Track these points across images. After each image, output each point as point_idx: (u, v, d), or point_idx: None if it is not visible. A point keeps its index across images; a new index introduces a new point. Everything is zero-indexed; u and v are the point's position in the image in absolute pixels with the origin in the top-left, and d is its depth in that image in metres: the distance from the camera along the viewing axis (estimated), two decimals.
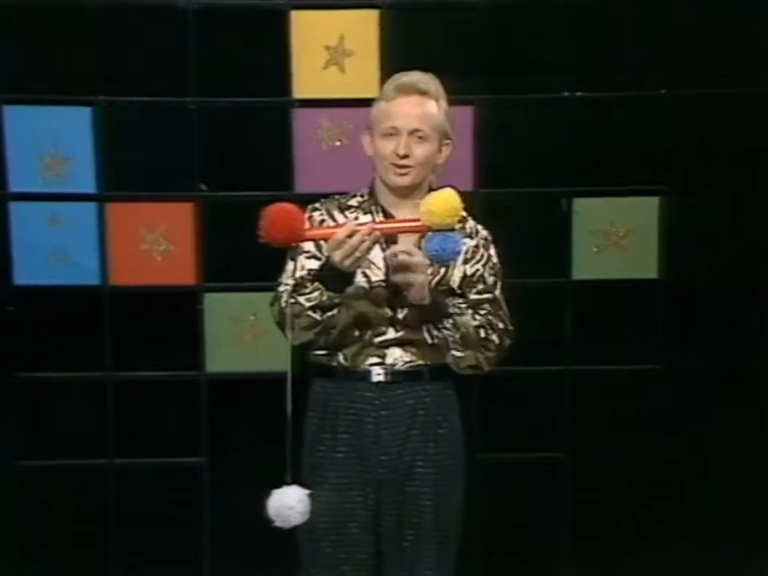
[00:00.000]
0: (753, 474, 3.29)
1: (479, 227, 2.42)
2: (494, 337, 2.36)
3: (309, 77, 3.12)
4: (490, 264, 2.40)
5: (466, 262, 2.35)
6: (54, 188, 3.13)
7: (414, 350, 2.34)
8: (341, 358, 2.34)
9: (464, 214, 2.24)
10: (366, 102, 2.89)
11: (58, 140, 3.10)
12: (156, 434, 3.22)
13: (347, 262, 2.14)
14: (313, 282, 2.24)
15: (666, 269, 3.22)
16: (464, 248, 2.26)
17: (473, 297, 2.36)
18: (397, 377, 2.33)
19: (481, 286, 2.37)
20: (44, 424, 3.22)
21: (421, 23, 3.13)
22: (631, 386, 3.23)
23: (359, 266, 2.20)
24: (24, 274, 3.15)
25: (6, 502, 3.24)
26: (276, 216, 2.12)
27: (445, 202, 2.11)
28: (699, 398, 3.24)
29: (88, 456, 3.22)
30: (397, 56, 3.05)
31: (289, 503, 2.16)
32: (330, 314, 2.26)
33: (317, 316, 2.25)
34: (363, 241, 2.12)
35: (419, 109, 2.29)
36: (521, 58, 3.17)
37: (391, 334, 2.32)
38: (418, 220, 2.14)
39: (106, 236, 3.16)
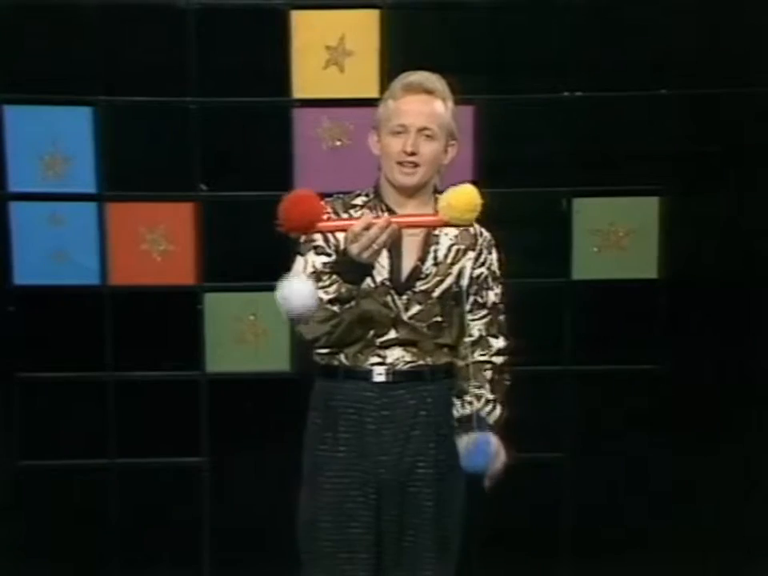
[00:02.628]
0: (753, 474, 3.29)
1: (482, 230, 2.42)
2: (503, 360, 2.44)
3: (309, 77, 3.11)
4: (493, 268, 2.42)
5: (473, 266, 2.37)
6: (54, 188, 3.13)
7: (415, 350, 2.34)
8: (342, 357, 2.34)
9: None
10: (366, 102, 2.91)
11: (57, 140, 3.10)
12: (156, 433, 3.22)
13: (365, 255, 2.12)
14: (330, 274, 2.22)
15: (666, 269, 3.22)
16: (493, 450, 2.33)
17: (479, 301, 2.39)
18: (398, 377, 2.33)
19: (484, 292, 2.40)
20: (44, 424, 3.21)
21: (421, 23, 3.13)
22: (631, 385, 3.23)
23: (377, 259, 2.19)
24: (24, 274, 3.15)
25: (5, 501, 3.24)
26: (296, 202, 2.09)
27: (465, 197, 2.10)
28: (699, 397, 3.24)
29: (88, 456, 3.22)
30: (397, 56, 3.05)
31: (298, 287, 2.09)
32: (347, 306, 2.24)
33: (335, 308, 2.23)
34: (380, 233, 2.10)
35: (427, 107, 2.29)
36: (521, 58, 3.17)
37: (393, 334, 2.32)
38: (435, 213, 2.13)
39: (106, 236, 3.15)
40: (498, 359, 2.42)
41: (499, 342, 2.42)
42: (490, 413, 2.38)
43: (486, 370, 2.40)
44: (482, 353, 2.40)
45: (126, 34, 3.11)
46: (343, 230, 2.16)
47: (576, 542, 3.29)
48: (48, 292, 3.15)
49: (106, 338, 3.18)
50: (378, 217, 2.15)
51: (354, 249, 2.12)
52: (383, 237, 2.11)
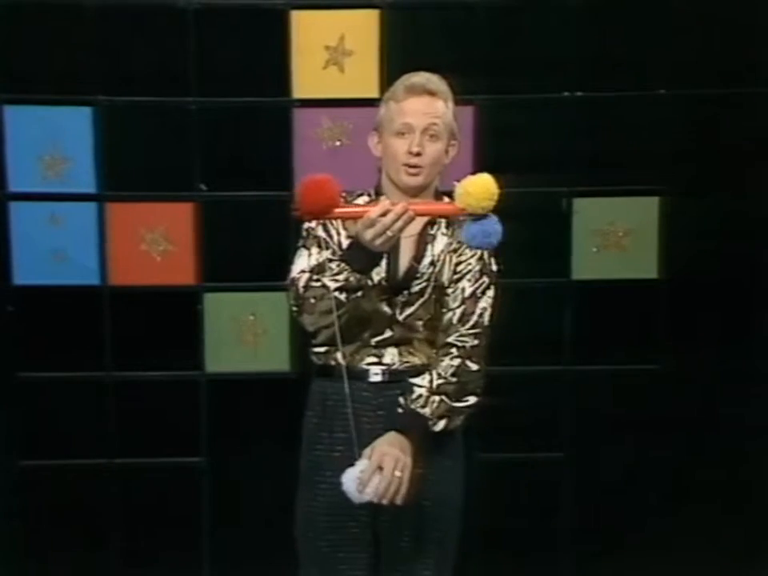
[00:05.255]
0: (753, 474, 3.29)
1: None
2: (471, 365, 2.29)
3: (309, 77, 3.11)
4: (477, 266, 2.33)
5: (457, 261, 2.32)
6: (54, 188, 3.13)
7: (411, 350, 2.33)
8: (339, 357, 2.32)
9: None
10: (366, 102, 2.91)
11: (57, 140, 3.10)
12: (156, 433, 3.22)
13: (378, 242, 2.08)
14: (339, 262, 2.18)
15: (665, 269, 3.22)
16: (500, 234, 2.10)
17: (453, 305, 2.31)
18: (394, 377, 2.31)
19: (460, 289, 2.31)
20: (44, 424, 3.22)
21: (421, 23, 3.13)
22: (631, 385, 3.23)
23: (389, 246, 2.13)
24: (24, 274, 3.15)
25: (6, 501, 3.25)
26: (313, 188, 2.08)
27: (482, 185, 2.07)
28: (699, 397, 3.24)
29: (88, 456, 3.22)
30: (397, 56, 3.05)
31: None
32: (354, 296, 2.19)
33: (342, 297, 2.18)
34: (396, 220, 2.07)
35: (431, 108, 2.28)
36: (521, 57, 3.17)
37: (389, 333, 2.31)
38: (452, 201, 2.12)
39: (106, 236, 3.16)
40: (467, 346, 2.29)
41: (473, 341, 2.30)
42: (425, 404, 2.24)
43: (449, 353, 2.28)
44: (450, 336, 2.29)
45: (126, 33, 3.11)
46: (359, 216, 2.12)
47: (576, 542, 3.29)
48: (48, 292, 3.15)
49: (105, 338, 3.18)
50: (394, 203, 2.11)
51: (368, 235, 2.08)
52: (398, 224, 2.07)
